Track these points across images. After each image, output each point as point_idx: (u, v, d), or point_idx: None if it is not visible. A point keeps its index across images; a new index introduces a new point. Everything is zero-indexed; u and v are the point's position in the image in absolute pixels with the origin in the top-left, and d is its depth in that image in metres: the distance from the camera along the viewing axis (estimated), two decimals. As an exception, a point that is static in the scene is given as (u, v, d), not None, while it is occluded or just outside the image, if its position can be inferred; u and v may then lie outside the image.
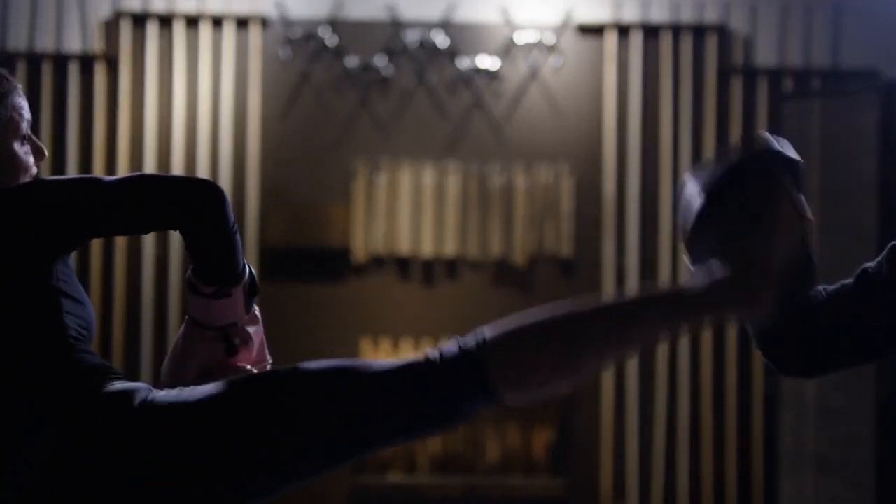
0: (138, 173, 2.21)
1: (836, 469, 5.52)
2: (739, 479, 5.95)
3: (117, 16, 5.91)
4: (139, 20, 5.92)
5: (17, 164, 2.12)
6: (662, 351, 5.93)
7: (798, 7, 6.05)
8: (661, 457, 5.94)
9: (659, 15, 6.02)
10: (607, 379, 5.93)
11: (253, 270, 2.15)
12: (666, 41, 6.00)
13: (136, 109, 5.91)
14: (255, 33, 5.95)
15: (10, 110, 2.12)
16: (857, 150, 5.44)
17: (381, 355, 5.89)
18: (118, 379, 2.05)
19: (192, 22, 5.92)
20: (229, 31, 5.93)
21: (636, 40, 6.00)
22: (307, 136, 6.00)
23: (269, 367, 2.17)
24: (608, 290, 5.94)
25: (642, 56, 6.01)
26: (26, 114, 2.16)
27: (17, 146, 2.13)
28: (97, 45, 5.92)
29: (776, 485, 5.76)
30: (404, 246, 5.96)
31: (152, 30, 5.92)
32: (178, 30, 5.92)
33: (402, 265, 6.00)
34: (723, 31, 6.02)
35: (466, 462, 5.90)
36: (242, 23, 5.96)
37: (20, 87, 2.17)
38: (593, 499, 5.91)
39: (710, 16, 6.03)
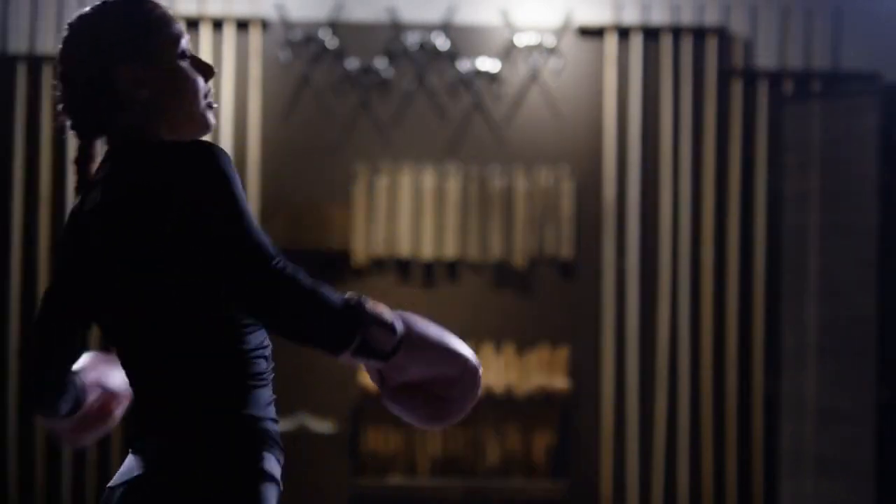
0: None
1: (835, 470, 5.53)
2: (739, 480, 5.95)
3: (117, 18, 5.90)
4: (139, 22, 5.91)
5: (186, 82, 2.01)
6: (662, 351, 5.94)
7: (798, 9, 6.05)
8: (661, 457, 5.95)
9: (659, 17, 6.02)
10: (607, 379, 5.94)
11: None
12: (666, 43, 6.00)
13: (136, 112, 5.90)
14: (255, 35, 5.94)
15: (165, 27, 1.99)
16: (857, 153, 5.45)
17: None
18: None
19: (193, 24, 5.91)
20: (229, 33, 5.93)
21: (636, 42, 6.00)
22: (307, 139, 6.00)
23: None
24: (608, 293, 5.95)
25: (642, 58, 6.01)
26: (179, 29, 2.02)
27: (182, 63, 2.00)
28: (97, 47, 5.91)
29: (776, 485, 5.78)
30: (404, 248, 5.96)
31: (152, 32, 5.91)
32: (179, 32, 5.91)
33: (403, 267, 6.01)
34: (723, 34, 6.02)
35: (467, 464, 5.91)
36: (242, 25, 5.95)
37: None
38: (594, 500, 5.92)
39: (711, 18, 6.03)
